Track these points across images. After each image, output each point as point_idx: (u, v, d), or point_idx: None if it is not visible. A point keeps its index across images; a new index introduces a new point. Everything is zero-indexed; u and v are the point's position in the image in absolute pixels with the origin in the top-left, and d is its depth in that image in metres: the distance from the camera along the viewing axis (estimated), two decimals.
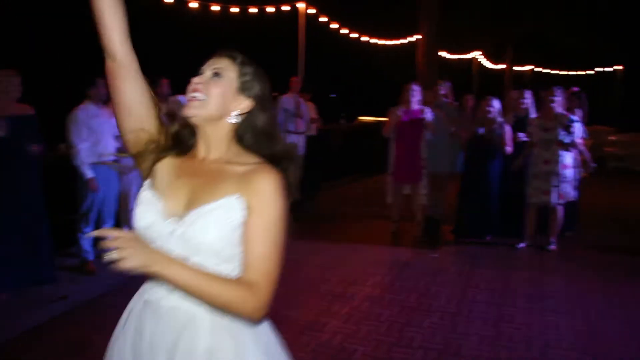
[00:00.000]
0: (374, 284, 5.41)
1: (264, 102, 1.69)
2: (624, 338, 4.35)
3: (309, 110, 9.08)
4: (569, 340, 4.28)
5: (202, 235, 1.55)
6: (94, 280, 5.32)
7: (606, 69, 22.56)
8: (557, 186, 6.41)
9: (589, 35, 21.24)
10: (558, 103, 6.46)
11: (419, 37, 12.69)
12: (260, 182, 1.60)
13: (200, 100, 1.62)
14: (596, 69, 23.07)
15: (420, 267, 6.00)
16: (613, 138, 14.24)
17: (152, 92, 1.72)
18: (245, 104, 1.66)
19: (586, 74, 23.35)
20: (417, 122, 6.74)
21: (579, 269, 6.07)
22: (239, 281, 1.57)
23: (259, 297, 1.56)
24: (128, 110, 1.67)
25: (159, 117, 1.74)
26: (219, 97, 1.63)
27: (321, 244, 6.82)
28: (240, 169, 1.63)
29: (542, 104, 6.97)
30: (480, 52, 21.01)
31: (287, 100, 8.70)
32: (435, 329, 4.41)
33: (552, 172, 6.38)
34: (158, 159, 1.71)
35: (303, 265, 5.90)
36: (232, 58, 1.67)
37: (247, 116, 1.68)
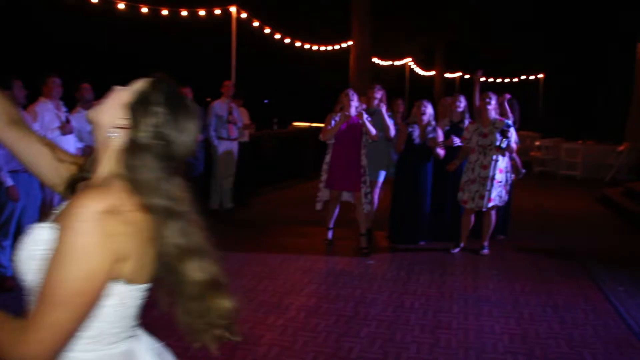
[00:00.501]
0: (309, 294, 5.30)
1: None
2: (557, 339, 4.41)
3: (242, 115, 8.91)
4: (504, 343, 4.30)
5: (25, 265, 1.38)
6: (13, 297, 4.95)
7: (530, 77, 23.46)
8: (492, 190, 6.47)
9: (512, 46, 22.13)
10: (493, 108, 6.53)
11: (352, 43, 12.73)
12: (70, 206, 1.31)
13: None
14: (521, 77, 23.94)
15: (355, 274, 5.94)
16: (538, 143, 14.75)
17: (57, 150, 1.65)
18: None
19: (511, 82, 24.19)
20: (356, 128, 6.55)
21: (512, 272, 6.16)
22: (21, 320, 1.28)
23: (27, 345, 1.23)
24: (37, 169, 1.63)
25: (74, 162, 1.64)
26: None
27: (255, 253, 6.64)
28: None
29: (475, 109, 7.08)
30: (411, 59, 21.39)
31: (220, 106, 8.49)
32: (373, 338, 4.33)
33: (489, 176, 6.43)
34: None
35: (236, 277, 5.72)
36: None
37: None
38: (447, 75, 24.14)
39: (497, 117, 6.56)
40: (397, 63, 20.43)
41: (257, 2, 14.85)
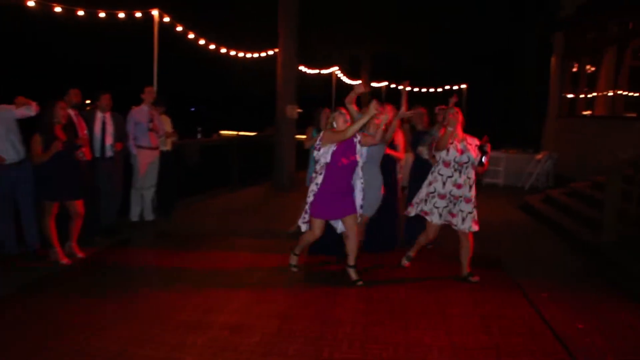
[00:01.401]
0: (232, 310, 5.04)
1: None
2: (485, 350, 4.36)
3: (164, 123, 8.54)
4: (433, 356, 4.21)
5: None
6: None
7: (453, 87, 24.06)
8: (472, 213, 6.00)
9: (436, 58, 22.79)
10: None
11: (278, 50, 12.56)
12: None
13: None
14: (445, 87, 24.53)
15: (281, 289, 5.72)
16: None
17: None
18: None
19: (436, 91, 24.76)
20: (352, 146, 5.85)
21: (438, 282, 6.12)
22: None
23: None
24: None
25: None
26: None
27: (177, 268, 6.33)
28: None
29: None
30: (338, 68, 21.48)
31: (139, 113, 8.10)
32: (299, 356, 4.14)
33: (465, 196, 5.96)
34: None
35: (154, 294, 5.40)
36: None
37: None
38: (374, 84, 24.40)
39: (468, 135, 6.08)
40: (324, 72, 20.44)
41: (181, 6, 14.48)
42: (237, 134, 17.83)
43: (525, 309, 5.35)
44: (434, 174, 6.12)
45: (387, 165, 6.91)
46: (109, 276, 5.99)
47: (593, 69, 14.26)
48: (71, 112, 6.74)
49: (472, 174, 5.98)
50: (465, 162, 5.92)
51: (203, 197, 10.92)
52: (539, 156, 13.75)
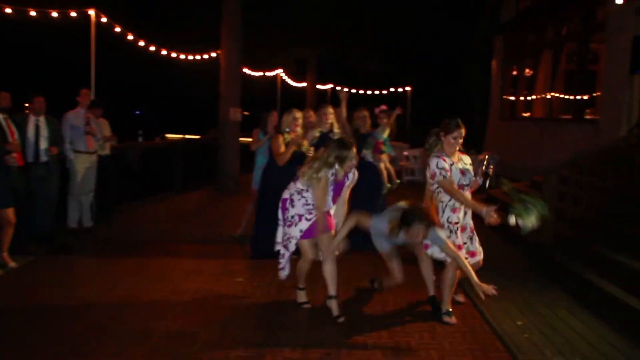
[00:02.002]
0: (174, 318, 4.90)
1: None
2: (428, 350, 4.39)
3: (102, 126, 8.28)
4: (376, 357, 4.20)
5: None
6: None
7: (398, 90, 24.39)
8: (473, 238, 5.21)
9: (382, 60, 23.03)
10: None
11: (220, 52, 12.41)
12: None
13: None
14: (390, 89, 24.84)
15: (224, 294, 5.60)
16: (406, 153, 15.22)
17: None
18: None
19: (381, 93, 25.03)
20: None
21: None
22: None
23: None
24: None
25: None
26: None
27: (116, 275, 6.12)
28: None
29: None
30: (283, 70, 21.44)
31: (75, 116, 7.82)
32: None
33: (467, 224, 5.18)
34: None
35: (94, 304, 5.20)
36: None
37: None
38: (319, 86, 24.46)
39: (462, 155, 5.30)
40: (268, 74, 20.36)
41: (121, 6, 14.13)
42: (183, 137, 17.51)
43: (468, 307, 5.42)
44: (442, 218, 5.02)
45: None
46: (42, 287, 5.73)
47: (532, 72, 14.69)
48: (0, 116, 6.45)
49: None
50: (467, 185, 5.10)
51: (146, 201, 10.65)
52: (481, 157, 14.04)
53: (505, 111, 15.91)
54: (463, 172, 5.06)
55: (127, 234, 8.22)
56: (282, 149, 6.57)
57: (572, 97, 12.26)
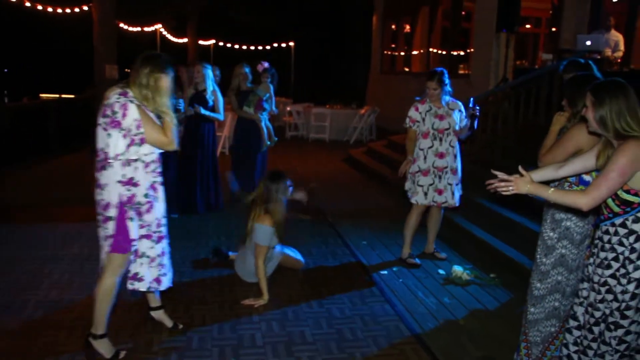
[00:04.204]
0: (49, 287, 4.73)
1: None
2: (308, 300, 4.58)
3: None
4: (257, 310, 4.34)
5: None
6: None
7: (282, 45, 24.21)
8: (459, 185, 5.50)
9: (265, 15, 22.72)
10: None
11: (92, 5, 11.72)
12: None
13: None
14: (273, 45, 24.59)
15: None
16: (289, 108, 15.32)
17: None
18: None
19: (264, 49, 24.73)
20: None
21: None
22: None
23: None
24: None
25: None
26: None
27: None
28: None
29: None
30: (162, 26, 20.60)
31: None
32: (114, 322, 4.04)
33: (450, 167, 5.38)
34: None
35: None
36: None
37: None
38: (201, 42, 23.78)
39: (451, 99, 5.45)
40: (147, 29, 19.47)
41: None
42: (60, 97, 16.48)
43: (346, 257, 5.70)
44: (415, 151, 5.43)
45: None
46: None
47: (410, 28, 15.18)
48: None
49: (455, 142, 5.39)
50: (446, 129, 5.31)
51: (19, 165, 9.99)
52: (362, 111, 14.44)
53: (385, 65, 16.39)
54: (440, 116, 5.30)
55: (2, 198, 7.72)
56: None
57: (447, 53, 12.85)
